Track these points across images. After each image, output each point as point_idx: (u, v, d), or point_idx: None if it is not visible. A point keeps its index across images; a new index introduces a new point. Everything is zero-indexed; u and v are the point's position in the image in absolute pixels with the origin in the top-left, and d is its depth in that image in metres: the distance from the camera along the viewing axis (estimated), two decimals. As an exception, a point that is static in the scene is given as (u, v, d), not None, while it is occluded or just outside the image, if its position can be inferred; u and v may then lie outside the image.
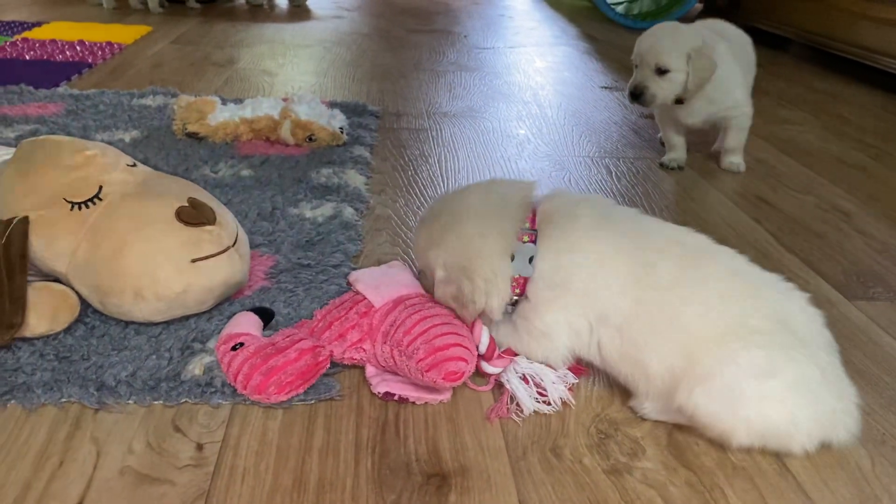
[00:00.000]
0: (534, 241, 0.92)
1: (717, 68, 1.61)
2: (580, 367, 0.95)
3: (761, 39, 3.48)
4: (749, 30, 1.88)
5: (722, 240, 0.95)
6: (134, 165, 1.06)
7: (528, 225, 0.92)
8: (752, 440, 0.83)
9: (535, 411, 0.89)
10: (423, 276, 1.00)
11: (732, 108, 1.73)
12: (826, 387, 0.83)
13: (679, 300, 0.86)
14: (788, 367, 0.81)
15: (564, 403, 0.91)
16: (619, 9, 3.82)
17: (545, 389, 0.90)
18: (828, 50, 2.99)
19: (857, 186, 1.74)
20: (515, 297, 0.94)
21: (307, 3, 3.89)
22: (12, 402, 0.86)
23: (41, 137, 1.04)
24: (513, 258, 0.91)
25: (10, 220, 0.95)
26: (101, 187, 0.99)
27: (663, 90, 1.64)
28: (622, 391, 0.94)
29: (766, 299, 0.87)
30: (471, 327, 0.92)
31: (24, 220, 0.96)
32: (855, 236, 1.47)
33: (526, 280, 0.92)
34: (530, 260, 0.91)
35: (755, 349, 0.81)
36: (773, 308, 0.86)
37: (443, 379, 0.85)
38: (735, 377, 0.81)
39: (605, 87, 2.57)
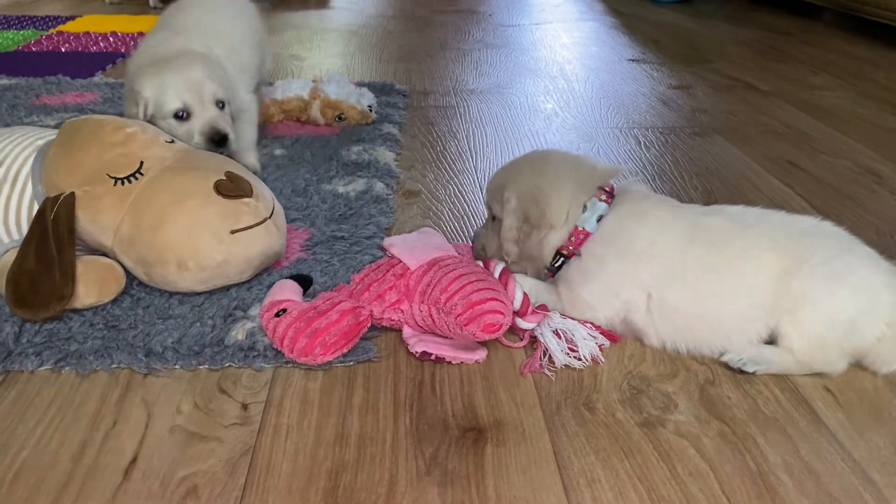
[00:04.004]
0: (608, 205, 0.98)
1: None
2: (615, 335, 0.96)
3: (794, 8, 3.43)
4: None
5: (752, 205, 1.01)
6: (172, 142, 1.09)
7: (608, 189, 0.99)
8: (853, 309, 0.88)
9: (567, 366, 0.91)
10: (485, 228, 1.07)
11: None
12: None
13: (741, 235, 0.94)
14: (857, 245, 0.94)
15: (596, 361, 0.92)
16: (646, -18, 3.77)
17: (576, 345, 0.92)
18: (861, 15, 2.92)
19: (892, 149, 1.72)
20: (564, 255, 0.98)
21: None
22: (66, 368, 0.91)
23: (83, 117, 1.07)
24: (584, 210, 0.97)
25: (57, 197, 0.99)
26: (141, 163, 1.02)
27: None
28: (654, 349, 0.95)
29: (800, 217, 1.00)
30: (504, 284, 0.94)
31: (71, 196, 0.99)
32: (888, 197, 1.46)
33: (586, 236, 0.96)
34: (599, 219, 0.97)
35: (826, 236, 0.94)
36: (808, 220, 0.98)
37: (482, 331, 0.88)
38: (827, 253, 0.90)
39: (633, 60, 2.56)
